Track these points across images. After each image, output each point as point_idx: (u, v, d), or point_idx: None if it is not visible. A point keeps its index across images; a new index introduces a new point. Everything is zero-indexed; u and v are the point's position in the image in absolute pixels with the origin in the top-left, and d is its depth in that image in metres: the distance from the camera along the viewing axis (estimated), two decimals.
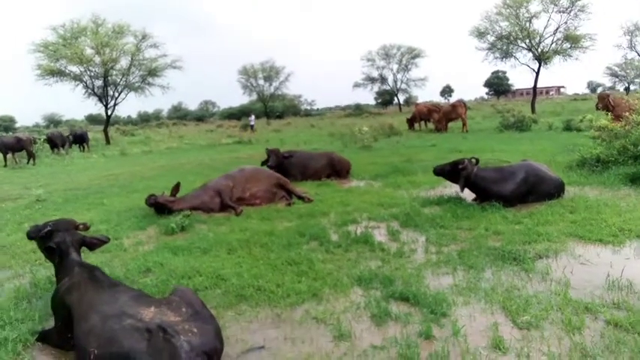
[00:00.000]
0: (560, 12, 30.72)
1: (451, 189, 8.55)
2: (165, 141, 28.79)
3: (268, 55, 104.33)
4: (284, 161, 11.01)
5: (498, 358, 3.23)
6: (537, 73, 32.64)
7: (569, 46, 31.07)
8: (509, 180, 7.28)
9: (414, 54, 67.23)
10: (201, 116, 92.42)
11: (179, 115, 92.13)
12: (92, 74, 30.34)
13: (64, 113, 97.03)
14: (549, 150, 12.95)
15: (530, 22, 31.57)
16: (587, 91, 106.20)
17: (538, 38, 31.67)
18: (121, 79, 31.62)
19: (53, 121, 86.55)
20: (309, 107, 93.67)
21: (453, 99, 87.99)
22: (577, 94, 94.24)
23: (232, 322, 4.01)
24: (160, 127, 60.73)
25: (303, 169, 11.30)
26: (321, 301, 4.29)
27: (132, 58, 30.96)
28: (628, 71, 67.09)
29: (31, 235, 4.28)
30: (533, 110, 27.36)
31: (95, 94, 31.27)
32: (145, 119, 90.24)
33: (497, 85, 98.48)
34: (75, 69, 29.78)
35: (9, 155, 20.09)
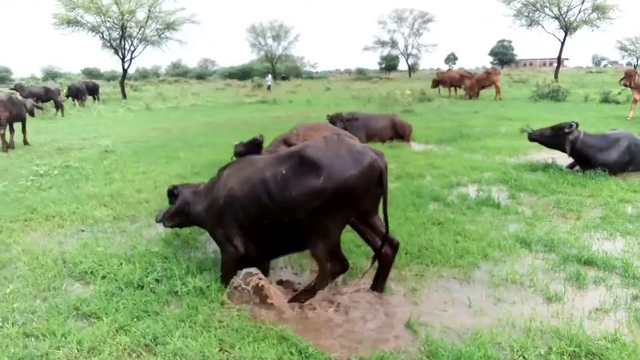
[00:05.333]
0: None
1: (539, 155, 8.48)
2: (188, 98, 28.20)
3: (273, 14, 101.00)
4: (347, 124, 10.89)
5: None
6: (563, 43, 32.26)
7: (596, 16, 30.61)
8: (613, 148, 7.20)
9: (426, 18, 66.02)
10: (202, 74, 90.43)
11: (178, 72, 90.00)
12: (109, 25, 29.45)
13: (62, 66, 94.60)
14: (606, 121, 12.78)
15: None
16: (591, 64, 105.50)
17: (566, 7, 31.12)
18: (138, 32, 30.75)
19: (51, 74, 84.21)
20: (310, 69, 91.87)
21: (457, 67, 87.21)
22: (580, 67, 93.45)
23: (419, 281, 3.94)
24: (163, 83, 59.55)
25: (367, 130, 11.16)
26: (497, 263, 4.24)
27: (149, 10, 30.02)
28: (637, 45, 66.92)
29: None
30: (556, 80, 27.06)
31: (112, 46, 30.43)
32: (143, 75, 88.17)
33: (502, 55, 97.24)
34: (91, 19, 28.90)
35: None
